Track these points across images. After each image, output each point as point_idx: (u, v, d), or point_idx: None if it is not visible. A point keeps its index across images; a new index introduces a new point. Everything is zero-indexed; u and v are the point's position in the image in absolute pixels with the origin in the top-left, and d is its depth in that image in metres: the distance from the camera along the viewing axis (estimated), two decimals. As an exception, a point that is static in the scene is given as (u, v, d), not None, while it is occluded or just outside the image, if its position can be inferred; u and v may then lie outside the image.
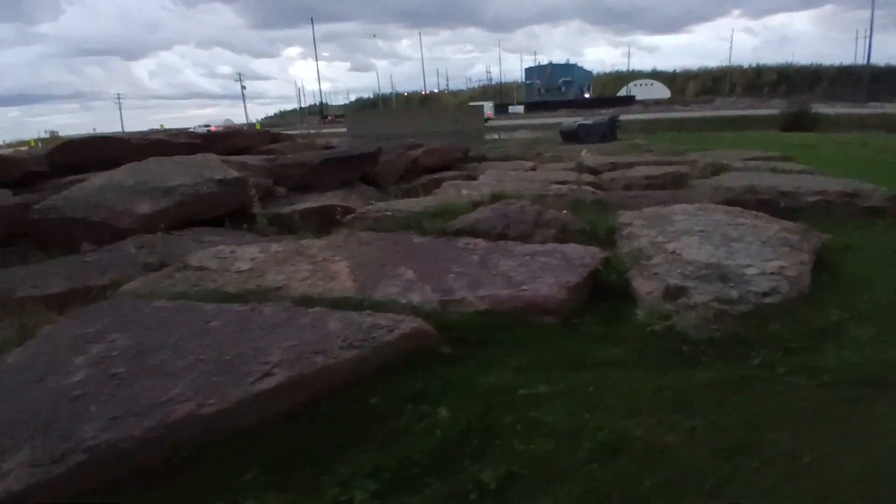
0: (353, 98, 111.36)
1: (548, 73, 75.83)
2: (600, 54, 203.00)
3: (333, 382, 2.00)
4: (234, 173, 5.45)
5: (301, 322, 2.34)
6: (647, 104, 48.99)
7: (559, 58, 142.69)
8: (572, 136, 14.22)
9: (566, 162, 8.41)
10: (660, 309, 2.49)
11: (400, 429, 1.79)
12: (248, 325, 2.34)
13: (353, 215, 4.85)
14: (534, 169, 7.94)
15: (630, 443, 1.66)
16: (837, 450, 1.59)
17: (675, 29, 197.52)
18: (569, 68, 78.56)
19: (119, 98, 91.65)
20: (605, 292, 2.80)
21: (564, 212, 4.04)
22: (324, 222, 5.09)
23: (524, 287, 2.67)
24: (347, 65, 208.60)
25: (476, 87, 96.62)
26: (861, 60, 64.37)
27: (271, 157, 7.61)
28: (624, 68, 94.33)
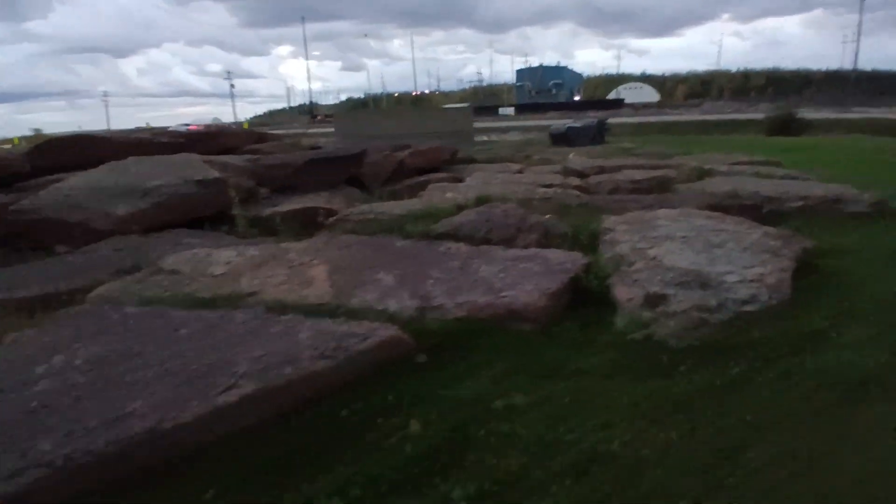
0: (343, 98, 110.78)
1: (538, 76, 75.79)
2: (591, 57, 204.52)
3: (303, 395, 1.93)
4: (214, 174, 5.32)
5: (272, 330, 2.27)
6: (637, 107, 49.17)
7: (550, 60, 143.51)
8: (562, 138, 14.24)
9: (554, 165, 8.37)
10: (639, 317, 2.45)
11: (370, 444, 1.73)
12: (217, 333, 2.27)
13: (335, 218, 4.79)
14: (521, 171, 7.90)
15: (604, 457, 1.62)
16: (827, 455, 1.56)
17: (666, 32, 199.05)
18: (559, 70, 78.49)
19: (105, 95, 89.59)
20: (586, 298, 2.76)
21: (548, 216, 4.00)
22: (306, 224, 5.02)
23: (504, 294, 2.62)
24: (339, 64, 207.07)
25: (467, 88, 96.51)
26: (849, 65, 65.32)
27: (255, 157, 7.52)
28: (614, 71, 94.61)
